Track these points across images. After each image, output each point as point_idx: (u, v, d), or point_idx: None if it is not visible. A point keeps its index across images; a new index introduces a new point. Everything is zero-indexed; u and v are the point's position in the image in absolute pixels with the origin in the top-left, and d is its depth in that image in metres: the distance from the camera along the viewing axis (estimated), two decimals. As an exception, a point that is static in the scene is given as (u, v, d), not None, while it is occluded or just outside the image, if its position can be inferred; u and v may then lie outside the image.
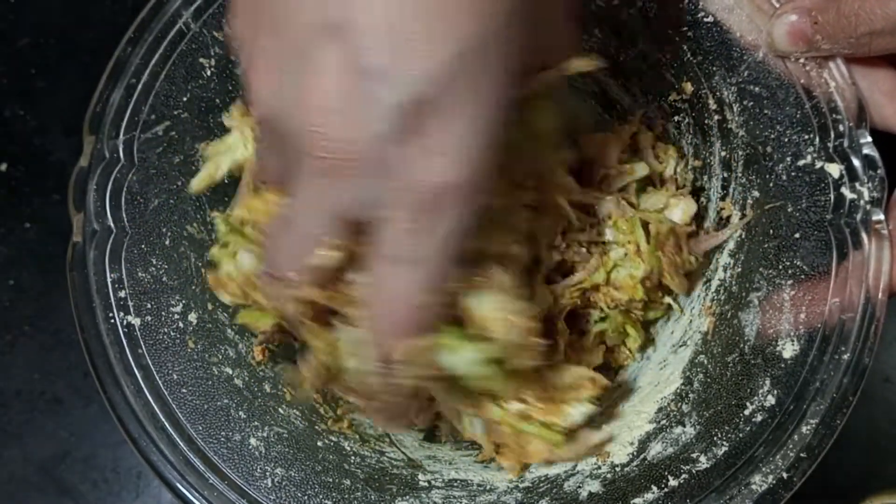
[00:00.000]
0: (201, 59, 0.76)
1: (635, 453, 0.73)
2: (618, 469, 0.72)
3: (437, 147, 0.53)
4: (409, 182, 0.54)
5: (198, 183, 0.76)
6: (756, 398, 0.67)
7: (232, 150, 0.76)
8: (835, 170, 0.68)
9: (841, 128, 0.68)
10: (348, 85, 0.52)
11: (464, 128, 0.54)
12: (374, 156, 0.53)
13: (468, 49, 0.52)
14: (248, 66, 0.58)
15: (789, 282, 0.69)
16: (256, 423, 0.71)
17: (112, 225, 0.71)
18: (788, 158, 0.70)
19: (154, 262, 0.73)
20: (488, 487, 0.74)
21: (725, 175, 0.79)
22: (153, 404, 0.68)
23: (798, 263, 0.69)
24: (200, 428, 0.68)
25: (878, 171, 0.66)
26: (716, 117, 0.77)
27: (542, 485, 0.73)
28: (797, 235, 0.69)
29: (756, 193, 0.74)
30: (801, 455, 0.63)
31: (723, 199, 0.79)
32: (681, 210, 0.80)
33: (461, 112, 0.53)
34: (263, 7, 0.56)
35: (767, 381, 0.67)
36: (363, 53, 0.51)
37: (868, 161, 0.66)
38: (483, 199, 0.57)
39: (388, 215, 0.56)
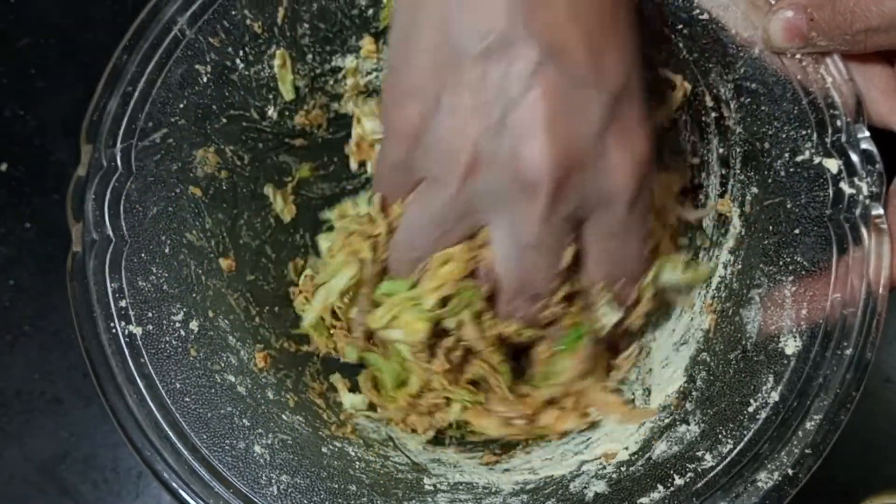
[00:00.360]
0: (197, 66, 0.76)
1: (640, 452, 0.73)
2: (623, 469, 0.72)
3: (633, 129, 0.65)
4: (626, 164, 0.65)
5: (310, 320, 0.81)
6: (759, 395, 0.67)
7: (340, 275, 0.78)
8: (833, 165, 0.68)
9: (839, 123, 0.68)
10: (569, 98, 0.62)
11: (642, 106, 0.66)
12: (593, 152, 0.63)
13: (633, 52, 0.65)
14: (437, 125, 0.64)
15: (790, 278, 0.69)
16: (260, 430, 0.71)
17: (111, 234, 0.71)
18: (786, 154, 0.70)
19: (154, 271, 0.72)
20: (494, 490, 0.74)
21: (723, 172, 0.79)
22: (156, 413, 0.68)
23: (798, 259, 0.69)
24: (204, 436, 0.68)
25: (877, 166, 0.66)
26: (713, 114, 0.77)
27: (547, 486, 0.73)
28: (797, 231, 0.69)
29: (755, 190, 0.74)
30: (806, 451, 0.64)
31: (721, 196, 0.79)
32: None
33: (638, 95, 0.66)
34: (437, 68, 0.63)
35: (770, 378, 0.67)
36: (576, 68, 0.61)
37: (866, 156, 0.67)
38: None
39: (606, 206, 0.66)
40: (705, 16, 0.72)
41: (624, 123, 0.64)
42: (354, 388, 0.84)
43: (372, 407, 0.83)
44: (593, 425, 0.81)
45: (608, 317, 0.74)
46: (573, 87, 0.61)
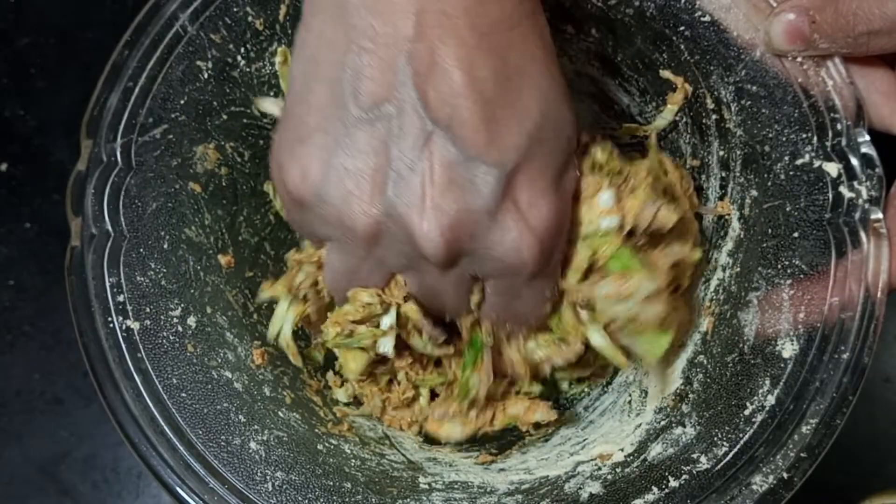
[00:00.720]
0: (198, 62, 0.76)
1: (635, 454, 0.73)
2: (618, 470, 0.72)
3: (534, 200, 0.63)
4: (516, 243, 0.63)
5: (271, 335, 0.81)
6: (756, 398, 0.67)
7: (286, 319, 0.80)
8: (833, 169, 0.67)
9: (839, 127, 0.68)
10: (456, 173, 0.60)
11: (546, 178, 0.64)
12: (483, 226, 0.62)
13: (539, 118, 0.62)
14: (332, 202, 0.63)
15: (788, 281, 0.69)
16: (256, 426, 0.71)
17: (110, 229, 0.71)
18: (786, 157, 0.70)
19: (153, 266, 0.73)
20: (489, 489, 0.74)
21: (723, 175, 0.78)
22: (153, 409, 0.68)
23: (797, 262, 0.69)
24: (200, 432, 0.68)
25: (877, 170, 0.66)
26: (713, 117, 0.77)
27: (542, 486, 0.73)
28: (796, 234, 0.69)
29: (754, 193, 0.74)
30: (802, 455, 0.63)
31: (721, 198, 0.79)
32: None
33: (544, 165, 0.64)
34: (318, 136, 0.62)
35: (767, 381, 0.67)
36: (465, 144, 0.59)
37: (866, 160, 0.66)
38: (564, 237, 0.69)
39: (503, 274, 0.66)
40: (707, 18, 0.72)
41: (522, 197, 0.62)
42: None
43: (358, 402, 0.83)
44: (590, 425, 0.81)
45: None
46: (463, 161, 0.60)
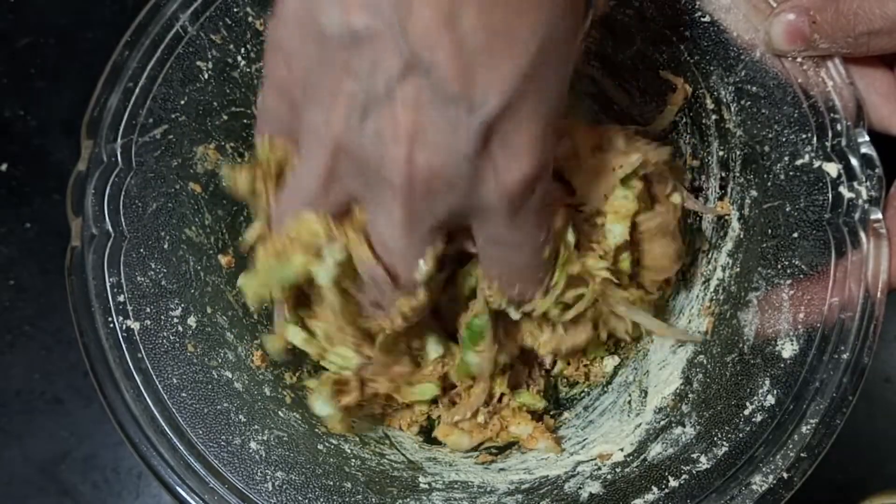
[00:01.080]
0: (198, 63, 0.76)
1: (635, 454, 0.73)
2: (618, 470, 0.72)
3: (516, 150, 0.58)
4: (499, 186, 0.59)
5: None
6: (756, 398, 0.67)
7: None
8: (833, 169, 0.68)
9: (839, 127, 0.68)
10: (433, 115, 0.56)
11: (535, 127, 0.58)
12: (463, 173, 0.58)
13: (529, 63, 0.56)
14: (307, 108, 0.61)
15: (788, 281, 0.69)
16: (256, 426, 0.71)
17: (110, 229, 0.71)
18: (786, 158, 0.70)
19: (153, 266, 0.73)
20: (489, 489, 0.74)
21: (723, 175, 0.78)
22: (153, 408, 0.68)
23: (797, 263, 0.69)
24: (200, 432, 0.68)
25: (876, 171, 0.66)
26: (713, 117, 0.77)
27: (542, 486, 0.73)
28: (795, 235, 0.69)
29: (754, 193, 0.74)
30: (802, 455, 0.64)
31: (721, 198, 0.79)
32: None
33: (530, 115, 0.58)
34: (320, 56, 0.58)
35: (767, 381, 0.67)
36: (443, 84, 0.54)
37: (866, 160, 0.66)
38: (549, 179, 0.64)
39: (483, 217, 0.62)
40: (707, 18, 0.72)
41: (503, 148, 0.58)
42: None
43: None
44: (590, 425, 0.81)
45: (512, 313, 0.73)
46: (439, 104, 0.55)
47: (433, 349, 0.78)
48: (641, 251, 0.78)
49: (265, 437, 0.71)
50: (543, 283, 0.71)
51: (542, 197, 0.63)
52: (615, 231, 0.75)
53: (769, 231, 0.72)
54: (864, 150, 0.67)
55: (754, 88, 0.72)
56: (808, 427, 0.64)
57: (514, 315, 0.73)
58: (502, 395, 0.82)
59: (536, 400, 0.83)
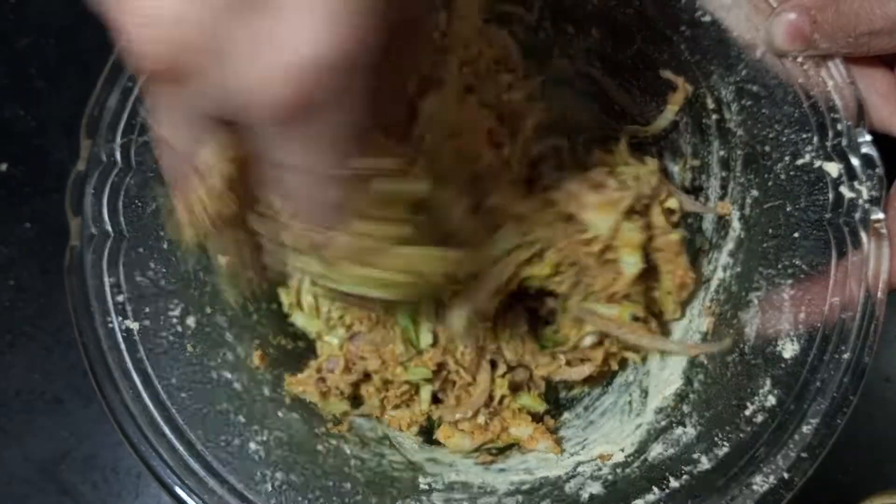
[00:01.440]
0: (198, 62, 0.76)
1: (636, 454, 0.73)
2: (619, 470, 0.72)
3: (294, 9, 0.40)
4: (264, 68, 0.41)
5: None
6: (756, 398, 0.67)
7: None
8: (833, 169, 0.67)
9: (839, 127, 0.68)
10: None
11: None
12: (214, 39, 0.41)
13: None
14: None
15: (789, 281, 0.69)
16: (256, 427, 0.71)
17: (110, 229, 0.71)
18: (787, 157, 0.70)
19: (152, 266, 0.73)
20: (489, 490, 0.74)
21: (724, 174, 0.78)
22: (152, 409, 0.68)
23: (797, 263, 0.69)
24: (200, 432, 0.68)
25: (877, 170, 0.66)
26: (714, 117, 0.77)
27: (543, 487, 0.73)
28: (796, 235, 0.69)
29: (755, 193, 0.74)
30: (802, 455, 0.63)
31: (721, 198, 0.79)
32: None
33: None
34: None
35: (768, 381, 0.67)
36: None
37: (866, 160, 0.66)
38: (368, 77, 0.44)
39: (248, 117, 0.44)
40: (708, 18, 0.72)
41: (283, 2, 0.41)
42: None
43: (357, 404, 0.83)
44: (590, 425, 0.81)
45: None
46: None
47: (424, 338, 0.78)
48: (661, 275, 0.78)
49: (265, 438, 0.71)
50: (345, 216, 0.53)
51: (352, 113, 0.45)
52: (630, 262, 0.75)
53: (770, 231, 0.72)
54: (864, 149, 0.67)
55: (755, 88, 0.72)
56: (809, 427, 0.64)
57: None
58: (503, 396, 0.81)
59: (537, 403, 0.83)
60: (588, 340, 0.79)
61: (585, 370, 0.80)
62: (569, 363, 0.80)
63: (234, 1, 0.40)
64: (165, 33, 0.41)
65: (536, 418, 0.82)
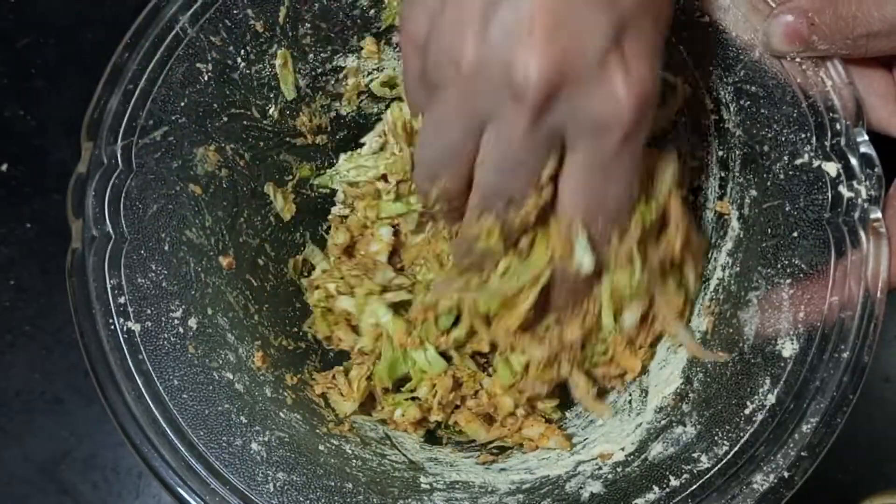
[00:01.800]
0: (198, 64, 0.76)
1: (636, 453, 0.73)
2: (619, 469, 0.72)
3: (640, 52, 0.61)
4: (627, 87, 0.60)
5: None
6: (756, 397, 0.67)
7: None
8: (832, 168, 0.68)
9: (838, 126, 0.68)
10: (571, 9, 0.58)
11: (654, 36, 0.62)
12: (590, 70, 0.59)
13: None
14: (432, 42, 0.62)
15: (788, 280, 0.69)
16: (258, 427, 0.71)
17: (111, 231, 0.71)
18: (786, 157, 0.70)
19: (153, 268, 0.73)
20: (490, 489, 0.74)
21: (723, 175, 0.79)
22: (154, 410, 0.68)
23: (796, 262, 0.69)
24: (202, 433, 0.68)
25: (876, 170, 0.66)
26: (712, 117, 0.77)
27: (543, 486, 0.73)
28: (795, 234, 0.69)
29: (753, 193, 0.74)
30: (802, 454, 0.63)
31: (720, 198, 0.79)
32: None
33: (651, 24, 0.62)
34: None
35: (767, 380, 0.67)
36: None
37: (865, 159, 0.67)
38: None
39: (595, 134, 0.62)
40: (706, 18, 0.72)
41: (632, 50, 0.60)
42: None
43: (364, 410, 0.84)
44: (590, 424, 0.81)
45: (584, 259, 0.69)
46: (576, 2, 0.58)
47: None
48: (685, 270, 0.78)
49: (266, 439, 0.71)
50: (624, 227, 0.70)
51: (643, 137, 0.64)
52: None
53: (769, 230, 0.72)
54: (863, 149, 0.67)
55: (753, 88, 0.72)
56: (809, 426, 0.64)
57: (588, 259, 0.70)
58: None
59: (554, 411, 0.84)
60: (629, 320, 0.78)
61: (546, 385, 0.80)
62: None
63: (611, 45, 0.59)
64: (556, 71, 0.59)
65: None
